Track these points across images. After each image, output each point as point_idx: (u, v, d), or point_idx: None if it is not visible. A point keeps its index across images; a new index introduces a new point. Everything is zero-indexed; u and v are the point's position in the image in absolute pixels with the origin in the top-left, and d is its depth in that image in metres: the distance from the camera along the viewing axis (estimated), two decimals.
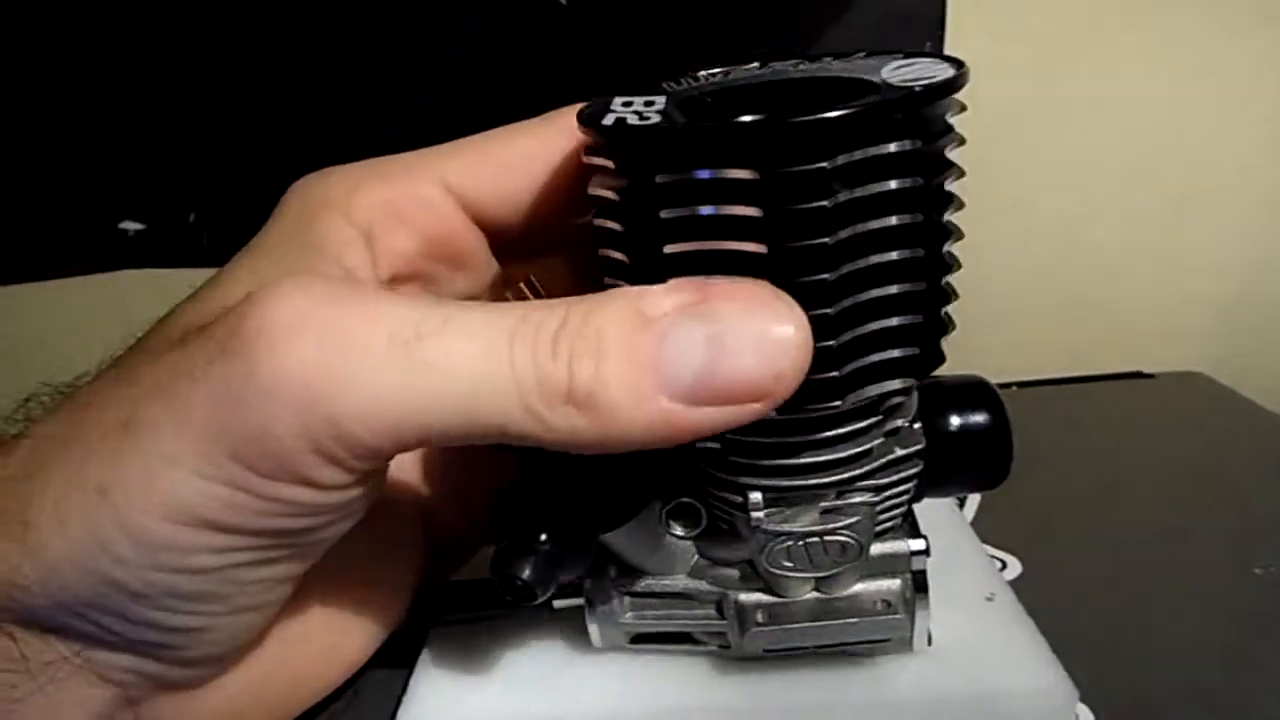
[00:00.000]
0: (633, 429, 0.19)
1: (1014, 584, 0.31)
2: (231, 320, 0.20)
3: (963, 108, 0.22)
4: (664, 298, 0.20)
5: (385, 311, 0.20)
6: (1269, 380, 0.51)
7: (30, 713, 0.21)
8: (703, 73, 0.25)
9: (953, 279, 0.23)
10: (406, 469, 0.30)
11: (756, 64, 0.25)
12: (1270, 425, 0.45)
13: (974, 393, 0.26)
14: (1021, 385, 0.51)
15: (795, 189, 0.20)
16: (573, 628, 0.29)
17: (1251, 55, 0.52)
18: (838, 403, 0.22)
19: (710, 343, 0.19)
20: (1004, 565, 0.34)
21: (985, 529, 0.35)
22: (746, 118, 0.20)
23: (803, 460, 0.23)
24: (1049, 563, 0.34)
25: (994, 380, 0.27)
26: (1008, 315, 0.56)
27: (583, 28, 0.51)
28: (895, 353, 0.22)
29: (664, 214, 0.21)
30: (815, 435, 0.23)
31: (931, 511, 0.27)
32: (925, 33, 0.51)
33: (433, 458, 0.31)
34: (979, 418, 0.25)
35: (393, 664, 0.30)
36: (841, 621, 0.25)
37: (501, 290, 0.29)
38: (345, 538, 0.27)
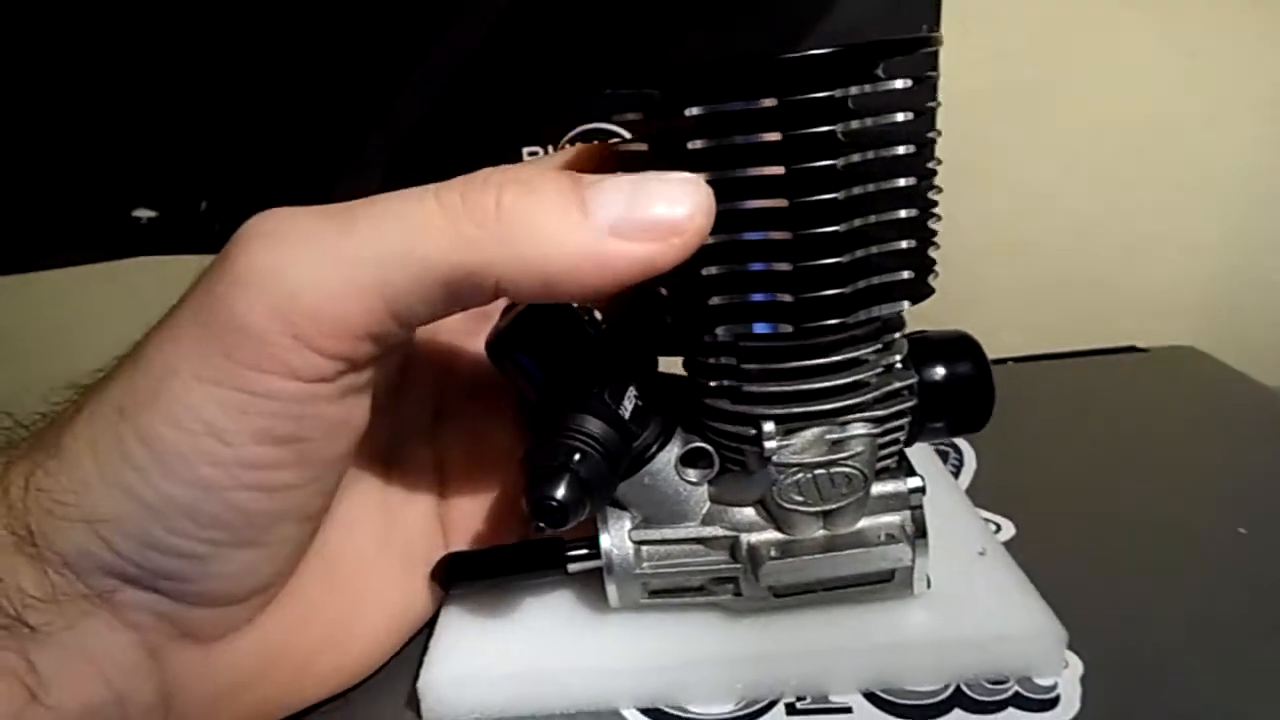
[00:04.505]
0: (564, 251, 0.22)
1: (1007, 545, 0.32)
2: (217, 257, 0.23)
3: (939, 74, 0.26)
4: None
5: (326, 207, 0.23)
6: (1258, 353, 0.52)
7: (64, 646, 0.23)
8: None
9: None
10: (422, 460, 0.32)
11: None
12: (1258, 396, 0.46)
13: (958, 344, 0.29)
14: (1018, 360, 0.52)
15: (810, 114, 0.23)
16: (586, 589, 0.30)
17: (1246, 37, 0.53)
18: (845, 319, 0.24)
19: (632, 187, 0.23)
20: (998, 528, 0.36)
21: (981, 495, 0.36)
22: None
23: (810, 386, 0.25)
24: (1041, 525, 0.35)
25: (991, 356, 0.29)
26: (1004, 292, 0.57)
27: (585, 14, 0.52)
28: (894, 276, 0.25)
29: (691, 145, 0.23)
30: (822, 359, 0.25)
31: (927, 477, 0.28)
32: (922, 13, 0.52)
33: (446, 446, 0.32)
34: (963, 366, 0.28)
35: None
36: (849, 552, 0.27)
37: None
38: (359, 520, 0.29)
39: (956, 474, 0.40)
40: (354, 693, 0.29)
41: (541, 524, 0.25)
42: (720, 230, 0.24)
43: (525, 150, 0.55)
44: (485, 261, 0.22)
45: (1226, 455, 0.41)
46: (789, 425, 0.26)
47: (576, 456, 0.25)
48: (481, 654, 0.29)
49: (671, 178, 0.23)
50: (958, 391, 0.28)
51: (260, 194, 0.56)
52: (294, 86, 0.52)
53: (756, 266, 0.24)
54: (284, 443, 0.23)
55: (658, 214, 0.22)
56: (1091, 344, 0.53)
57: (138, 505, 0.22)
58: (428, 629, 0.31)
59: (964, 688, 0.27)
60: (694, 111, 0.23)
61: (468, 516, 0.32)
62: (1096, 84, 0.54)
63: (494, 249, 0.22)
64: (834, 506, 0.26)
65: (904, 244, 0.25)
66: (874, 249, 0.24)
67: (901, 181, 0.24)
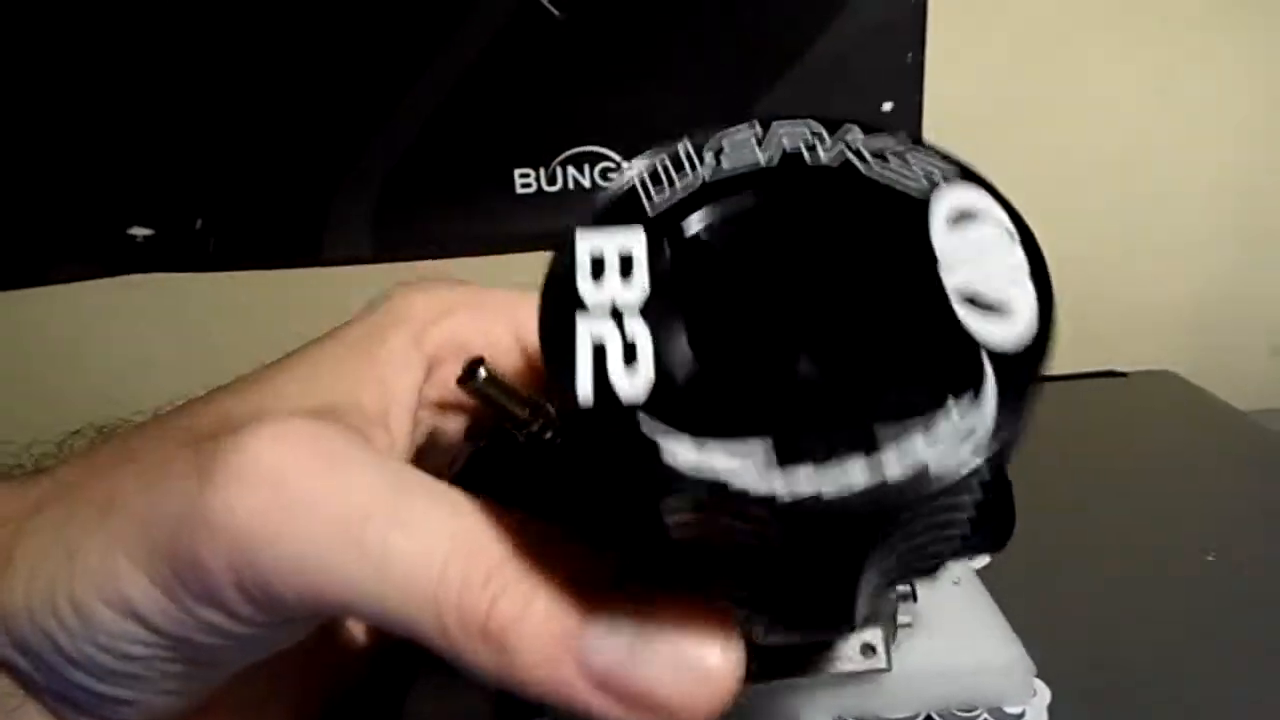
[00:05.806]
0: (531, 683, 0.20)
1: (981, 572, 0.33)
2: (215, 445, 0.21)
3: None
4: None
5: (345, 483, 0.21)
6: (1237, 379, 0.53)
7: None
8: (683, 147, 0.19)
9: None
10: None
11: (756, 126, 0.19)
12: (1235, 423, 0.47)
13: None
14: None
15: (830, 550, 0.17)
16: None
17: (1224, 58, 0.54)
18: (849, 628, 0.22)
19: (637, 640, 0.19)
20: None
21: None
22: (781, 488, 0.15)
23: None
24: (1015, 551, 0.36)
25: None
26: None
27: (577, 38, 0.52)
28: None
29: (669, 520, 0.17)
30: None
31: None
32: (907, 40, 0.53)
33: None
34: None
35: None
36: (827, 673, 0.27)
37: None
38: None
39: None
40: None
41: None
42: (706, 578, 0.19)
43: (516, 171, 0.56)
44: (452, 653, 0.20)
45: (1198, 482, 0.42)
46: None
47: None
48: (461, 699, 0.30)
49: (691, 638, 0.19)
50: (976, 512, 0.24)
51: (255, 212, 0.56)
52: (289, 104, 0.53)
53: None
54: (209, 648, 0.22)
55: (653, 690, 0.19)
56: (1071, 368, 0.54)
57: (56, 652, 0.22)
58: (414, 668, 0.31)
59: (934, 715, 0.28)
60: (673, 521, 0.17)
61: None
62: (1076, 106, 0.55)
63: (466, 653, 0.20)
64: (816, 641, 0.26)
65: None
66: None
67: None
